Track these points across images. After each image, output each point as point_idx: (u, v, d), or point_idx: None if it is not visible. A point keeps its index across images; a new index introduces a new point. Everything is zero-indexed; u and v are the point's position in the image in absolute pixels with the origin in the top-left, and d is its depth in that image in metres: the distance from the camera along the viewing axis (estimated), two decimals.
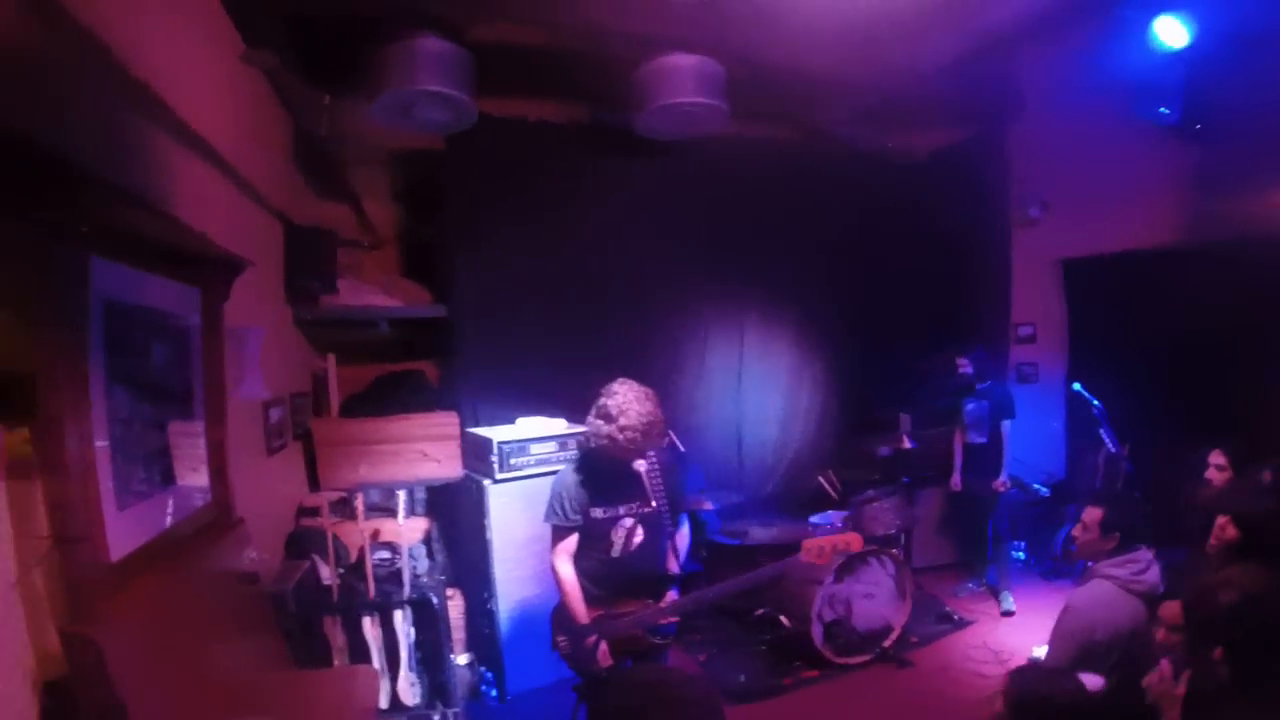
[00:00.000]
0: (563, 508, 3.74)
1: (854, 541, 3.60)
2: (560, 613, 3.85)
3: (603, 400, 3.63)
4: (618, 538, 3.77)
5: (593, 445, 3.68)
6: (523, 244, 6.08)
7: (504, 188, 6.00)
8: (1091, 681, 3.13)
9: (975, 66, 5.96)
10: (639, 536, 3.79)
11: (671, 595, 3.83)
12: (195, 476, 3.09)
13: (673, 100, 5.13)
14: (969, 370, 6.23)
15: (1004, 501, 6.14)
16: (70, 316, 2.06)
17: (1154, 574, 3.57)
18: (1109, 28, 4.95)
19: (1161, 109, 4.81)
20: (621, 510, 3.76)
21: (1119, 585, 3.54)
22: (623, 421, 3.51)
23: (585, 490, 3.74)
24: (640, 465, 3.63)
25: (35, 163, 1.87)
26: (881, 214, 7.29)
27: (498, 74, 5.12)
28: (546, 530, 3.87)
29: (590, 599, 3.74)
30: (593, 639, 3.63)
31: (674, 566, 3.86)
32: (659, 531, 3.81)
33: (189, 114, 3.02)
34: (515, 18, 4.90)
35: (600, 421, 3.60)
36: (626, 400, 3.56)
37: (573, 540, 3.77)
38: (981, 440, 6.23)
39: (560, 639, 3.83)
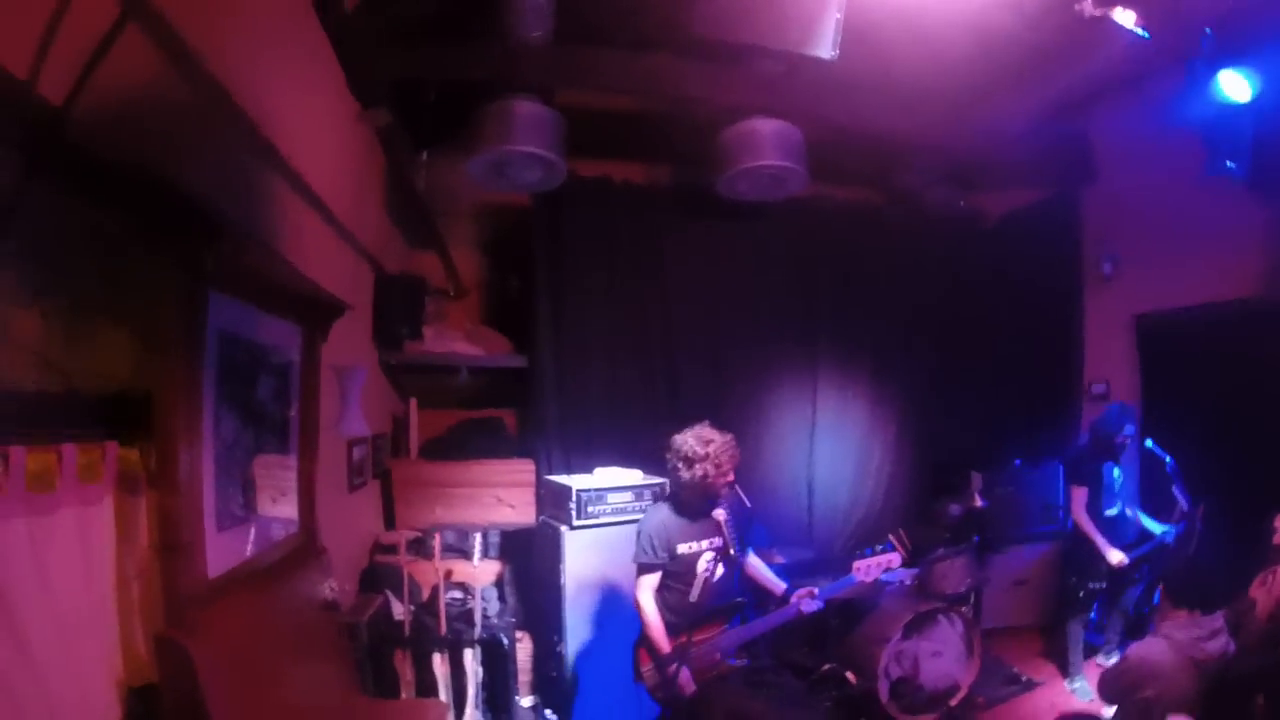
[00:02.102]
0: (651, 547, 3.99)
1: (893, 560, 4.16)
2: (643, 645, 4.03)
3: (678, 446, 4.00)
4: (700, 571, 4.02)
5: (684, 483, 3.99)
6: (604, 298, 6.22)
7: (587, 244, 6.16)
8: None
9: (1049, 128, 5.98)
10: (718, 569, 4.05)
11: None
12: (286, 505, 3.25)
13: (753, 164, 5.26)
14: (1132, 432, 5.80)
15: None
16: (189, 343, 2.23)
17: (1219, 644, 3.45)
18: (1178, 83, 4.92)
19: (1228, 163, 4.74)
20: (704, 545, 4.04)
21: (1174, 647, 3.46)
22: (710, 450, 3.90)
23: (671, 530, 4.02)
24: (719, 513, 3.95)
25: (170, 202, 2.06)
26: (956, 275, 7.27)
27: (586, 135, 5.32)
28: (620, 575, 4.28)
29: (669, 628, 3.94)
30: (675, 666, 3.78)
31: (778, 587, 4.22)
32: (732, 564, 4.09)
33: (303, 165, 3.25)
34: (607, 87, 5.10)
35: (682, 465, 3.96)
36: (699, 438, 3.97)
37: (656, 577, 4.01)
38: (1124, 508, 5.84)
39: (645, 669, 4.00)
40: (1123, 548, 5.58)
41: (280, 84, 3.04)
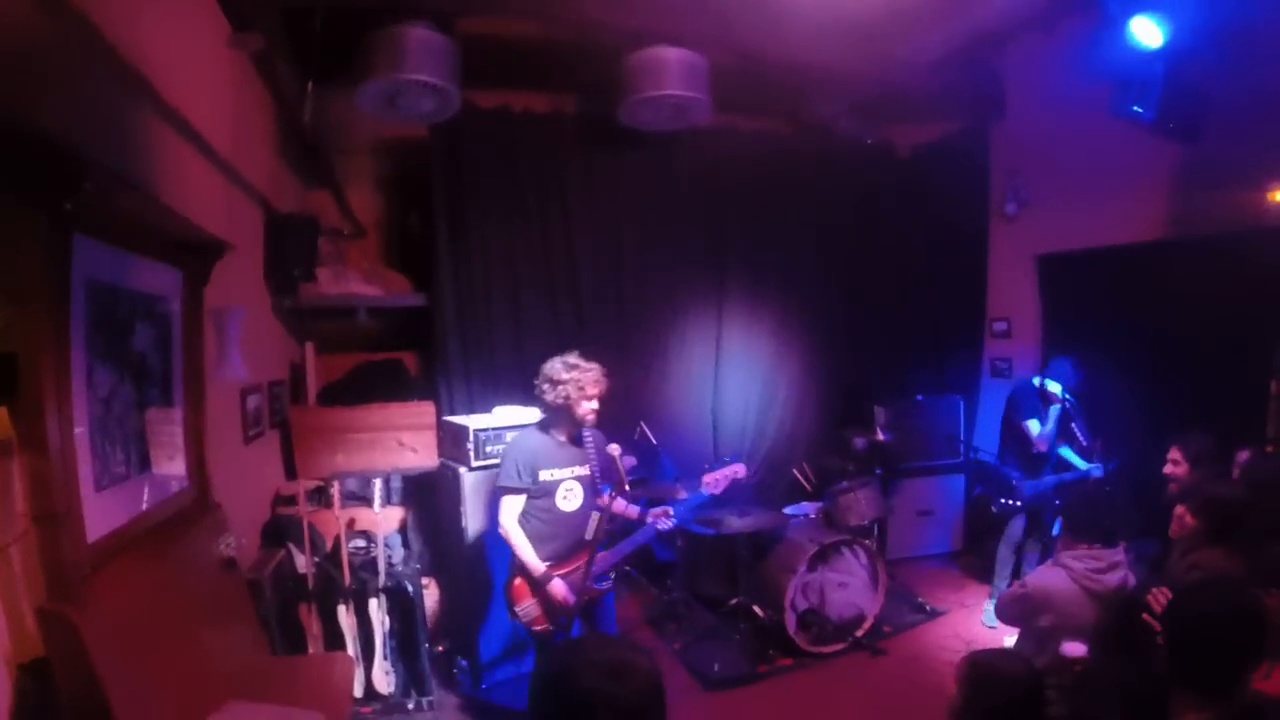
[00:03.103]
0: (516, 470, 3.99)
1: (739, 470, 4.41)
2: (517, 577, 4.04)
3: (545, 369, 4.02)
4: (561, 499, 4.06)
5: (548, 404, 4.03)
6: (505, 233, 6.07)
7: (488, 177, 5.98)
8: (1073, 649, 3.18)
9: (962, 63, 6.01)
10: (578, 499, 4.09)
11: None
12: (174, 460, 3.09)
13: (657, 93, 5.15)
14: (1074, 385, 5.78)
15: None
16: (53, 294, 2.06)
17: (1116, 577, 3.50)
18: (1090, 25, 4.97)
19: (1136, 108, 4.83)
20: (568, 474, 4.08)
21: (1072, 578, 3.49)
22: (573, 375, 3.94)
23: (537, 454, 4.04)
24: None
25: (21, 141, 1.86)
26: (865, 208, 7.34)
27: (484, 65, 5.12)
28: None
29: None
30: (554, 584, 3.90)
31: (634, 511, 4.29)
32: (594, 495, 4.13)
33: (175, 97, 3.00)
34: (507, 11, 4.91)
35: (547, 386, 3.98)
36: (565, 363, 3.99)
37: (520, 501, 4.02)
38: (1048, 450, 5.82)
39: (523, 606, 4.01)
40: (1043, 479, 5.72)
41: (148, 10, 2.79)
